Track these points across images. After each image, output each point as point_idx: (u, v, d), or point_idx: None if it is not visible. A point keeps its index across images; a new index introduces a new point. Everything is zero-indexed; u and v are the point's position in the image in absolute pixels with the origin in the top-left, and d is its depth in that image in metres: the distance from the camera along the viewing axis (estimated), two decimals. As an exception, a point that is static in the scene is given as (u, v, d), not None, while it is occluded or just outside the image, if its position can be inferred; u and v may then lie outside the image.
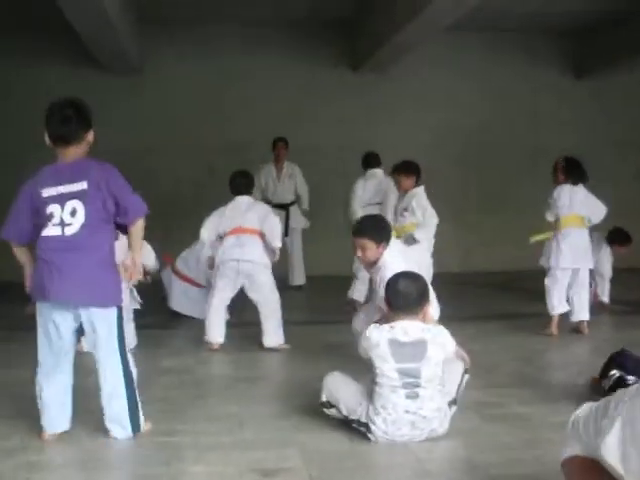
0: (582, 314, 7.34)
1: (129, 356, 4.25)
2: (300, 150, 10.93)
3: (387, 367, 4.03)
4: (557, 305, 7.26)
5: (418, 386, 4.02)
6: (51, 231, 4.05)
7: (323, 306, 9.23)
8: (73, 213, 4.02)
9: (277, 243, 6.78)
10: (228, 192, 6.89)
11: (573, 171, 7.27)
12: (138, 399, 4.25)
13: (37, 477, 3.68)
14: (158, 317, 8.17)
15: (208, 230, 6.79)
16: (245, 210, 6.72)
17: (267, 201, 9.97)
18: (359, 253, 5.28)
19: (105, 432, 4.21)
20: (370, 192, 9.11)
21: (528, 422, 4.50)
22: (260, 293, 6.72)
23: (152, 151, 11.42)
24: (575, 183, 7.24)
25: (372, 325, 4.26)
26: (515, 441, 4.13)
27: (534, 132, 12.56)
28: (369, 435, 4.09)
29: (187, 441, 4.16)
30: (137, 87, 11.73)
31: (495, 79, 12.53)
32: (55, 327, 4.10)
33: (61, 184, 4.05)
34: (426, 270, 6.60)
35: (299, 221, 10.81)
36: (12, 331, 7.27)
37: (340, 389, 4.29)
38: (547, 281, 7.33)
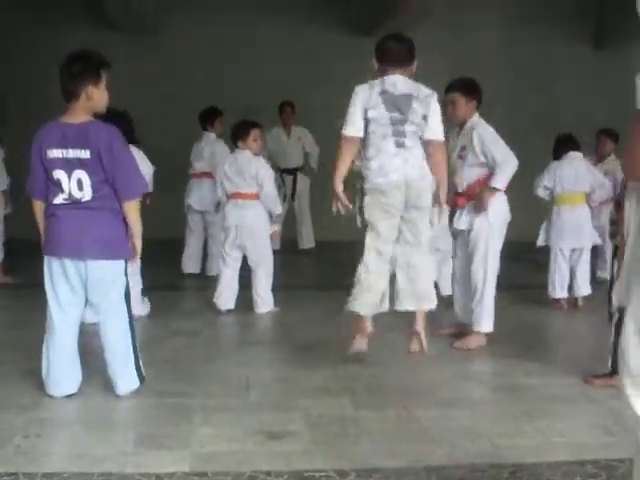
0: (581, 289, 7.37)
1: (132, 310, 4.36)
2: (311, 114, 10.90)
3: (379, 114, 4.41)
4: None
5: (404, 136, 4.43)
6: (61, 201, 4.10)
7: (331, 271, 9.26)
8: (80, 186, 4.04)
9: (276, 209, 6.86)
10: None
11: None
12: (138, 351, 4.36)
13: (48, 433, 3.75)
14: (168, 278, 8.25)
15: (221, 194, 6.86)
16: (243, 171, 6.66)
17: (275, 165, 10.11)
18: (450, 111, 5.55)
19: (113, 391, 4.29)
20: None
21: (532, 393, 4.54)
22: (256, 257, 6.77)
23: (164, 111, 11.41)
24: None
25: (360, 86, 4.57)
26: (519, 412, 4.17)
27: (548, 102, 12.48)
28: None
29: (195, 403, 4.22)
30: (151, 48, 11.71)
31: (512, 48, 12.42)
32: (65, 282, 4.15)
33: (65, 147, 4.04)
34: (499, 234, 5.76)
35: (306, 184, 10.87)
36: (23, 288, 7.35)
37: None
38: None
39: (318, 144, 10.72)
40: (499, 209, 5.58)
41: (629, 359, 2.17)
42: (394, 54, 4.55)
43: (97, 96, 4.12)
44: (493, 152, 5.45)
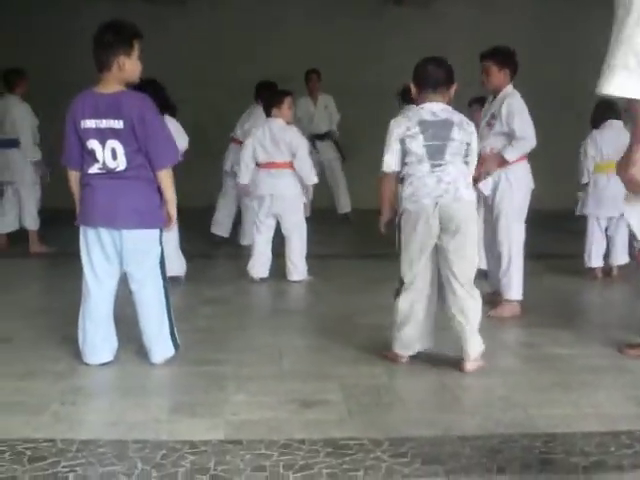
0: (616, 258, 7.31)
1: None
2: (338, 86, 10.88)
3: (416, 145, 4.24)
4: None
5: (443, 160, 4.26)
6: (96, 170, 4.12)
7: (366, 239, 9.24)
8: (114, 155, 4.06)
9: (311, 179, 6.84)
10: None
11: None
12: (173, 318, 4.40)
13: (82, 401, 3.79)
14: (201, 246, 8.30)
15: (247, 157, 6.81)
16: (278, 140, 6.65)
17: (303, 132, 10.13)
18: (484, 79, 5.62)
19: (147, 359, 4.34)
20: None
21: (565, 363, 4.52)
22: (290, 225, 6.80)
23: (194, 82, 11.41)
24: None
25: (396, 120, 4.43)
26: (551, 382, 4.15)
27: (573, 72, 12.31)
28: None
29: (228, 370, 4.25)
30: (180, 19, 11.69)
31: (538, 19, 12.27)
32: (101, 251, 4.18)
33: (98, 117, 4.05)
34: (524, 200, 5.70)
35: (335, 149, 10.96)
36: (59, 257, 7.44)
37: None
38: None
39: (345, 110, 10.84)
40: (521, 176, 5.56)
41: None
42: (433, 79, 4.37)
43: (129, 66, 4.11)
44: (515, 125, 5.42)
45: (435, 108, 4.32)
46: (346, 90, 11.00)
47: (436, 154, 4.23)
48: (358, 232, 10.23)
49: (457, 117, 4.34)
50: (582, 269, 7.25)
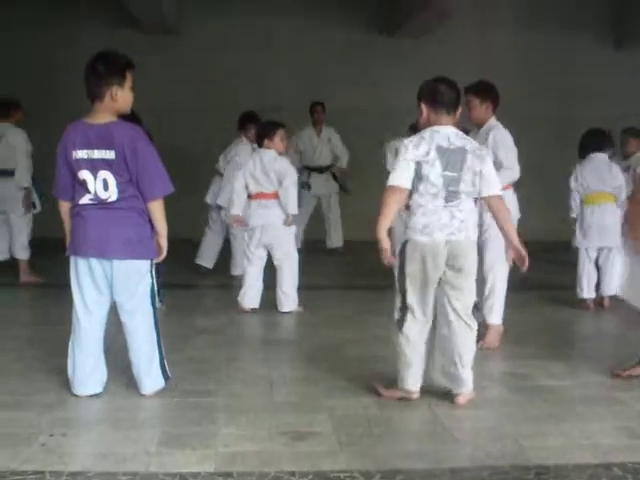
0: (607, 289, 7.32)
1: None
2: (333, 114, 10.91)
3: (434, 173, 4.10)
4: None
5: (457, 194, 4.14)
6: (87, 201, 4.11)
7: (358, 271, 9.26)
8: (106, 186, 4.06)
9: (292, 210, 6.79)
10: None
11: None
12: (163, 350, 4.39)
13: (73, 432, 3.76)
14: (188, 276, 8.31)
15: (239, 187, 6.80)
16: (268, 170, 6.67)
17: (306, 165, 10.57)
18: (467, 112, 5.44)
19: (137, 390, 4.31)
20: None
21: (557, 394, 4.51)
22: (281, 256, 6.79)
23: (185, 110, 11.46)
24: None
25: (413, 139, 4.23)
26: (543, 413, 4.15)
27: (567, 103, 12.41)
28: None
29: (219, 402, 4.23)
30: (171, 47, 11.76)
31: (531, 48, 12.34)
32: (91, 282, 4.17)
33: (90, 147, 4.05)
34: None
35: (334, 184, 10.93)
36: (49, 287, 7.41)
37: None
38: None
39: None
40: (508, 205, 5.55)
41: None
42: (446, 100, 4.21)
43: (121, 97, 4.12)
44: (502, 156, 5.43)
45: (450, 133, 4.18)
46: (340, 119, 11.04)
47: (451, 186, 4.11)
48: (348, 264, 10.25)
49: (470, 144, 4.21)
50: (574, 300, 7.27)
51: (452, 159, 4.12)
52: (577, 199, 7.30)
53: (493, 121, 5.63)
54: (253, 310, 6.76)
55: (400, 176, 4.16)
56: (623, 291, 2.34)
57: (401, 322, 4.27)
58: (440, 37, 11.76)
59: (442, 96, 4.21)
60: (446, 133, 4.17)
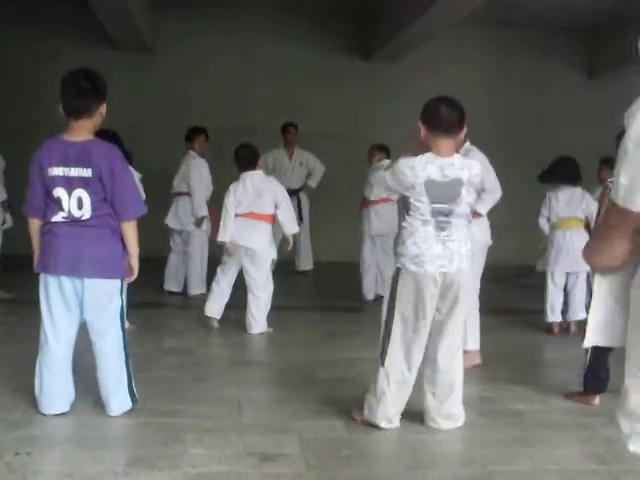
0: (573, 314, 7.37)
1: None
2: (307, 136, 10.93)
3: (422, 206, 4.01)
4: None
5: (448, 223, 4.05)
6: (60, 219, 4.09)
7: (327, 292, 9.27)
8: (80, 205, 4.04)
9: (293, 229, 6.86)
10: (237, 173, 6.81)
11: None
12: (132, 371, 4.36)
13: (39, 451, 3.73)
14: (156, 296, 8.28)
15: (230, 209, 6.68)
16: (261, 192, 6.66)
17: None
18: None
19: (104, 409, 4.28)
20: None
21: (524, 419, 4.55)
22: (255, 280, 6.75)
23: (161, 129, 11.45)
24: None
25: (406, 161, 4.09)
26: (511, 438, 4.17)
27: (540, 131, 12.55)
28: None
29: (186, 423, 4.21)
30: (148, 66, 11.78)
31: (504, 76, 12.51)
32: (61, 300, 4.14)
33: (67, 165, 4.03)
34: (481, 256, 5.73)
35: (306, 205, 10.88)
36: (17, 304, 7.35)
37: None
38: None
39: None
40: (480, 231, 5.57)
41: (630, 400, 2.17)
42: (445, 122, 4.06)
43: (103, 114, 4.17)
44: (484, 179, 5.43)
45: (444, 165, 4.03)
46: (314, 142, 11.06)
47: (442, 216, 4.02)
48: (318, 285, 10.26)
49: (467, 174, 4.08)
50: (542, 324, 7.31)
51: (444, 192, 4.03)
52: (546, 226, 7.37)
53: (468, 144, 5.58)
54: (220, 326, 6.78)
55: (390, 183, 4.18)
56: (591, 339, 2.33)
57: (383, 355, 4.16)
58: (415, 62, 11.85)
59: (441, 118, 4.07)
60: (441, 165, 4.04)
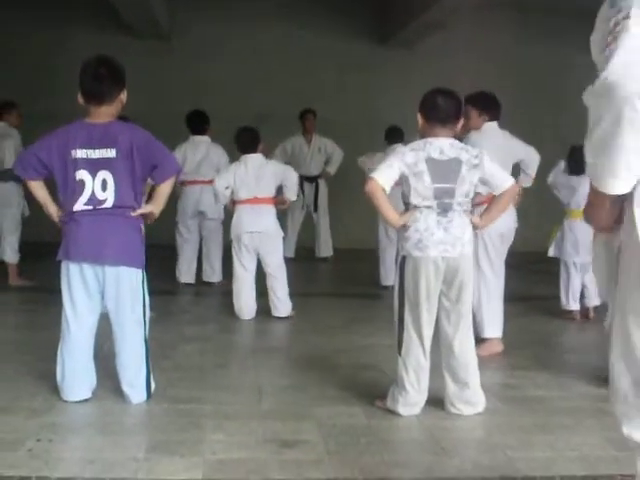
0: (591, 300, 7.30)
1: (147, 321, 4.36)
2: (325, 123, 10.91)
3: (422, 186, 4.04)
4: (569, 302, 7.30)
5: (450, 208, 4.06)
6: (81, 207, 4.10)
7: (347, 279, 9.27)
8: (104, 187, 4.07)
9: (292, 197, 6.92)
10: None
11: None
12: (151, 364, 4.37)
13: (60, 438, 3.74)
14: (172, 284, 8.31)
15: (221, 186, 6.77)
16: (260, 176, 6.70)
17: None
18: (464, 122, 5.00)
19: (123, 396, 4.30)
20: None
21: (544, 405, 4.53)
22: (271, 262, 6.78)
23: (176, 116, 11.44)
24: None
25: (404, 148, 4.20)
26: (531, 424, 4.15)
27: (556, 115, 12.46)
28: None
29: (207, 409, 4.22)
30: (164, 53, 11.79)
31: (521, 61, 12.42)
32: (83, 287, 4.16)
33: (92, 147, 4.07)
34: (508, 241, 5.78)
35: (324, 192, 10.88)
36: (39, 291, 7.39)
37: None
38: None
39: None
40: (508, 214, 5.52)
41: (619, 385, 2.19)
42: (442, 112, 4.12)
43: (124, 101, 4.24)
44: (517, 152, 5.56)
45: (444, 144, 4.11)
46: (330, 128, 11.03)
47: (444, 198, 4.04)
48: (338, 272, 10.26)
49: (465, 154, 4.12)
50: (560, 311, 7.28)
51: (444, 170, 4.06)
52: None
53: (488, 123, 5.64)
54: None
55: (381, 176, 4.10)
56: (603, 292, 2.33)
57: (400, 344, 4.19)
58: (433, 47, 11.80)
59: (437, 109, 4.14)
60: (439, 145, 4.11)
